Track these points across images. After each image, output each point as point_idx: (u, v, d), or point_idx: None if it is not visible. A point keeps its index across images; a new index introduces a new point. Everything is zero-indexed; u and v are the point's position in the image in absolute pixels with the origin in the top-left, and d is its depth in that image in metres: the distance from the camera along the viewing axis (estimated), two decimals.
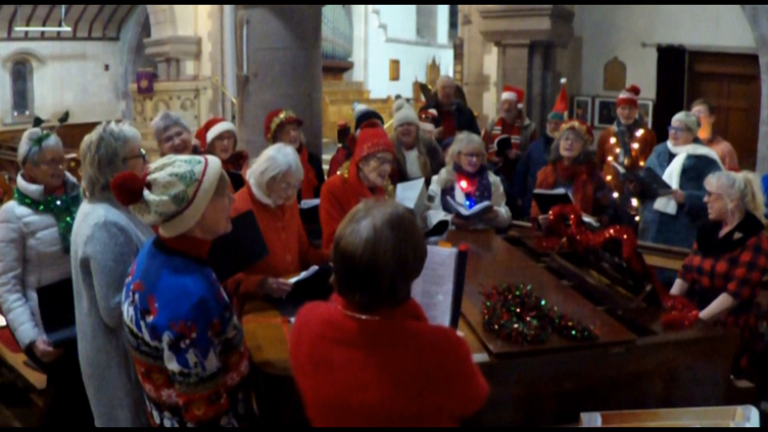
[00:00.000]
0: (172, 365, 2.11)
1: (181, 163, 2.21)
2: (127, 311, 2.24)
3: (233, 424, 2.25)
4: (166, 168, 2.19)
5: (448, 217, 4.71)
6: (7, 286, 3.34)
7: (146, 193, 2.15)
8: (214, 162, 2.27)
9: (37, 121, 3.57)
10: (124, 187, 2.15)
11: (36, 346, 3.32)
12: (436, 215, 4.71)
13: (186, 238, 2.22)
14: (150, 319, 2.13)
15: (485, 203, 4.80)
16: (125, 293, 2.29)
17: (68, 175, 3.62)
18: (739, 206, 3.82)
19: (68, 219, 3.45)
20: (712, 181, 3.91)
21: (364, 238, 1.77)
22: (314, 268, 3.42)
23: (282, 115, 5.16)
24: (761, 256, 3.73)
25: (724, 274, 3.78)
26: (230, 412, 2.24)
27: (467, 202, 4.87)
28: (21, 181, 3.44)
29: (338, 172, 4.26)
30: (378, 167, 4.02)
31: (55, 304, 3.24)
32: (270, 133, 5.14)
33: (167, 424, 2.28)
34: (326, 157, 7.06)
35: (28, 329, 3.33)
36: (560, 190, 4.84)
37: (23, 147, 3.44)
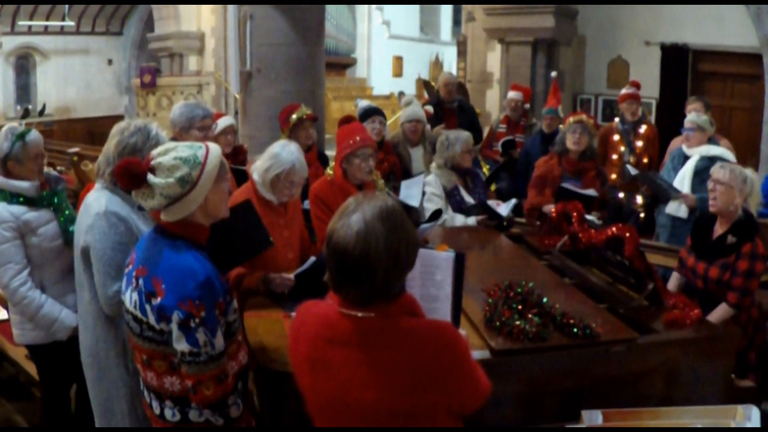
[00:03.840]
0: (182, 345, 2.15)
1: (184, 148, 2.27)
2: (130, 298, 2.28)
3: (238, 405, 2.30)
4: (170, 152, 2.24)
5: (445, 208, 4.78)
6: (27, 284, 3.28)
7: (150, 176, 2.19)
8: (215, 148, 2.33)
9: (26, 112, 3.52)
10: (128, 171, 2.18)
11: None
12: (453, 220, 4.75)
13: (187, 222, 2.28)
14: (157, 300, 2.17)
15: (514, 201, 4.87)
16: (126, 281, 2.32)
17: (45, 170, 3.54)
18: (742, 203, 3.77)
19: (66, 211, 3.43)
20: (723, 173, 3.78)
21: (356, 231, 1.77)
22: (312, 259, 3.41)
23: (302, 111, 5.13)
24: (757, 262, 3.69)
25: (716, 280, 3.76)
26: (236, 393, 2.30)
27: (513, 199, 4.96)
28: (6, 180, 3.30)
29: (327, 172, 4.21)
30: (361, 164, 3.97)
31: None
32: (288, 128, 5.10)
33: (168, 414, 2.30)
34: (330, 153, 7.05)
35: (69, 314, 3.32)
36: (591, 192, 4.85)
37: (4, 144, 3.31)
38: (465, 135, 5.02)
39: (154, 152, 2.27)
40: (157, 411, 2.34)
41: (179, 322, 2.13)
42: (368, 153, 3.98)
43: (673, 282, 4.04)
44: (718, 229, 3.86)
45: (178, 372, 2.23)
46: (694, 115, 5.42)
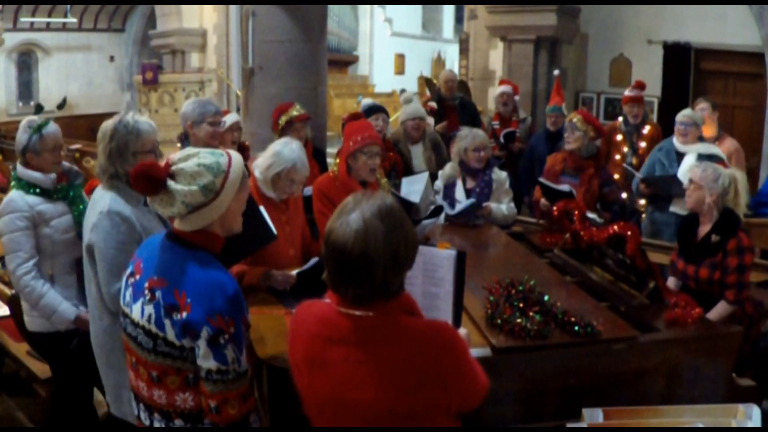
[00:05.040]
0: (209, 363, 2.01)
1: (206, 154, 2.15)
2: (142, 311, 2.11)
3: (257, 421, 2.19)
4: (192, 159, 2.12)
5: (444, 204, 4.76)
6: (32, 273, 3.32)
7: (171, 183, 2.07)
8: (237, 157, 2.22)
9: (39, 108, 3.55)
10: (146, 175, 2.05)
11: (81, 319, 3.31)
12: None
13: (205, 232, 2.15)
14: (181, 316, 2.02)
15: (469, 201, 4.76)
16: (134, 293, 2.16)
17: (65, 163, 3.59)
18: (717, 202, 3.76)
19: (81, 206, 3.46)
20: (695, 171, 3.83)
21: (354, 229, 1.76)
22: (315, 259, 3.42)
23: (293, 112, 5.13)
24: (746, 255, 3.69)
25: (707, 280, 3.76)
26: (256, 410, 2.19)
27: (471, 199, 4.86)
28: (25, 171, 3.39)
29: (329, 169, 4.20)
30: (367, 161, 3.95)
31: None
32: (278, 128, 5.11)
33: None
34: (331, 150, 7.05)
35: (68, 307, 3.34)
36: (564, 187, 4.80)
37: (22, 136, 3.39)
38: (476, 132, 5.01)
39: (174, 157, 2.15)
40: None
41: (208, 338, 1.99)
42: (375, 151, 3.97)
43: (671, 285, 4.03)
44: (702, 230, 3.87)
45: (192, 388, 2.08)
46: (688, 110, 5.40)
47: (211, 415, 2.06)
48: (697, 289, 3.80)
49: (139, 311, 2.12)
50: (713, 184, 3.76)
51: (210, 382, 2.02)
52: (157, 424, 2.17)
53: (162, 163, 2.14)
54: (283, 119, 5.09)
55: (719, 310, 3.70)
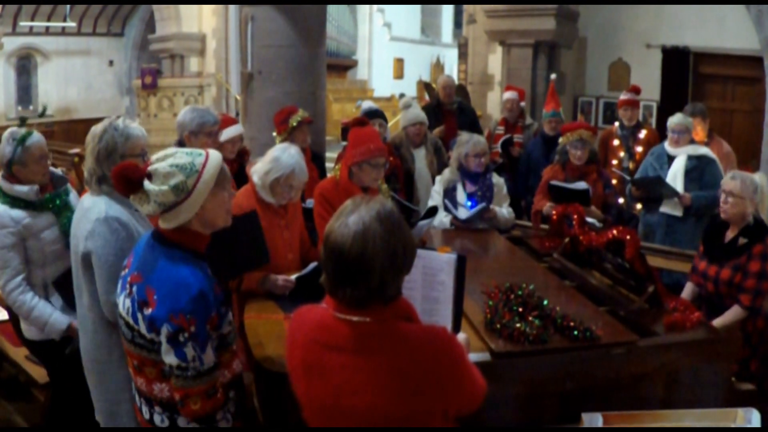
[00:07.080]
0: (170, 359, 2.12)
1: (183, 154, 2.23)
2: (123, 303, 2.26)
3: (228, 419, 2.28)
4: (168, 159, 2.21)
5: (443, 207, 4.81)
6: (20, 288, 3.30)
7: (146, 183, 2.17)
8: (215, 155, 2.28)
9: (22, 121, 3.50)
10: (124, 176, 2.16)
11: (74, 328, 3.23)
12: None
13: (184, 230, 2.24)
14: (148, 311, 2.14)
15: (481, 206, 4.77)
16: (121, 285, 2.30)
17: (51, 168, 3.53)
18: (755, 210, 3.76)
19: (68, 215, 3.41)
20: (734, 184, 3.76)
21: (353, 230, 1.77)
22: (314, 264, 3.42)
23: (300, 114, 5.11)
24: None
25: (728, 282, 3.74)
26: (226, 407, 2.28)
27: (469, 203, 4.86)
28: (7, 185, 3.32)
29: (330, 174, 4.19)
30: (372, 172, 3.94)
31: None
32: (286, 131, 5.08)
33: (157, 419, 2.28)
34: (330, 155, 7.06)
35: (59, 317, 3.33)
36: (581, 184, 4.80)
37: (6, 148, 3.31)
38: (477, 139, 5.00)
39: (153, 157, 2.25)
40: (146, 416, 2.32)
41: (168, 335, 2.10)
42: (381, 162, 3.95)
43: (687, 292, 4.01)
44: (731, 233, 3.86)
45: (167, 379, 2.20)
46: (679, 116, 5.39)
47: (178, 408, 2.19)
48: (715, 291, 3.80)
49: (122, 303, 2.27)
50: (753, 194, 3.74)
51: (173, 376, 2.15)
52: (144, 409, 2.31)
53: (146, 162, 2.26)
54: (293, 120, 5.04)
55: (731, 314, 3.69)
